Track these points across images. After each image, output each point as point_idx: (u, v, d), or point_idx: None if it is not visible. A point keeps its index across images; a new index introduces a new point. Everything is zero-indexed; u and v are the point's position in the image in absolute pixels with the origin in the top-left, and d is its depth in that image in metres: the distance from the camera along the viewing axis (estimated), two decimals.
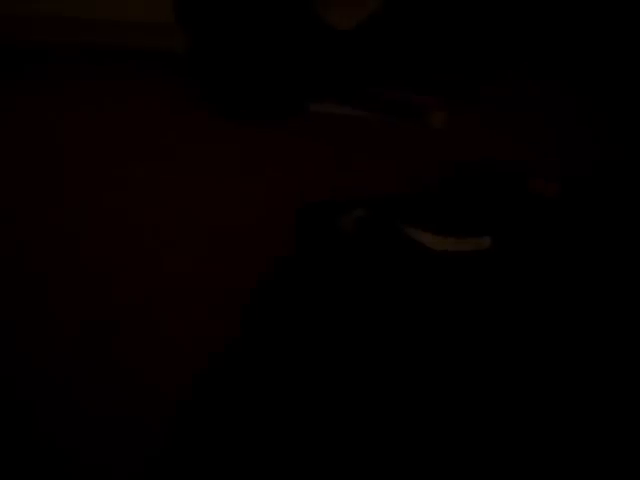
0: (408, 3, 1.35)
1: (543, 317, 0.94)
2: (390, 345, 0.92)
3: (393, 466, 0.78)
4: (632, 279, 0.99)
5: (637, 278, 0.99)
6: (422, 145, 1.37)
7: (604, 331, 0.92)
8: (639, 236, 1.07)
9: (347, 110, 1.44)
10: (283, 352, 0.92)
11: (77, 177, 1.30)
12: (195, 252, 1.14)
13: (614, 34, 1.51)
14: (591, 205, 1.12)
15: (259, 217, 1.21)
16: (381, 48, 1.38)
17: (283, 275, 1.05)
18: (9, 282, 1.07)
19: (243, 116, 1.42)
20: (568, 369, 0.88)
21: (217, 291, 1.05)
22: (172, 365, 0.93)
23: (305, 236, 1.13)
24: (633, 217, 1.11)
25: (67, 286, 1.07)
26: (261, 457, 0.79)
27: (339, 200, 1.16)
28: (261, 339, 0.95)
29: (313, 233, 1.12)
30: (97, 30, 1.48)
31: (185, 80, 1.47)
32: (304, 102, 1.44)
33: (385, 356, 0.91)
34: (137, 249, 1.15)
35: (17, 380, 0.92)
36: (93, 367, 0.94)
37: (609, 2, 1.50)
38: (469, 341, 0.91)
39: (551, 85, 1.50)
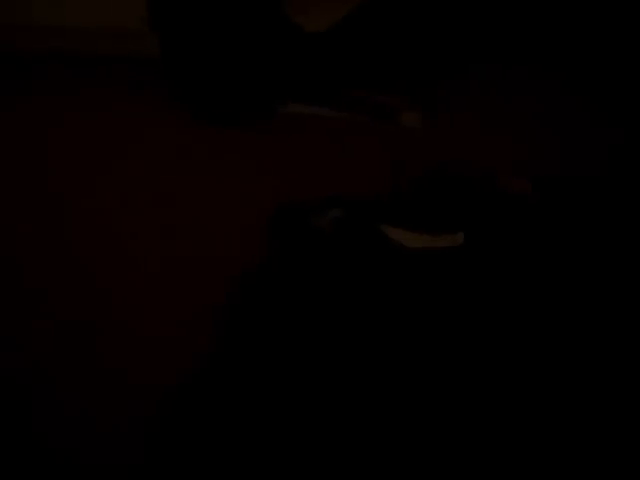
0: (381, 5, 1.38)
1: (519, 308, 0.98)
2: (370, 340, 0.95)
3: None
4: (600, 272, 1.04)
5: (606, 271, 1.04)
6: (394, 145, 1.40)
7: (578, 323, 0.96)
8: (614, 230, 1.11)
9: (319, 111, 1.46)
10: (264, 352, 0.94)
11: (60, 180, 1.31)
12: (175, 253, 1.15)
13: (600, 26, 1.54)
14: (561, 201, 1.16)
15: (235, 217, 1.23)
16: (352, 49, 1.40)
17: (259, 276, 1.06)
18: None
19: (216, 118, 1.43)
20: (543, 359, 0.92)
21: (195, 295, 1.07)
22: (156, 365, 0.95)
23: (280, 237, 1.14)
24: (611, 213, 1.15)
25: (50, 286, 1.08)
26: (245, 455, 0.82)
27: (313, 201, 1.18)
28: (242, 339, 0.97)
29: (288, 234, 1.14)
30: (70, 37, 1.48)
31: (159, 84, 1.47)
32: (276, 104, 1.46)
33: (365, 351, 0.93)
34: (119, 249, 1.16)
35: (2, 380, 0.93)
36: (77, 367, 0.95)
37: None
38: (448, 336, 0.94)
39: (528, 82, 1.52)
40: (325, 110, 1.46)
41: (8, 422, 0.88)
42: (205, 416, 0.86)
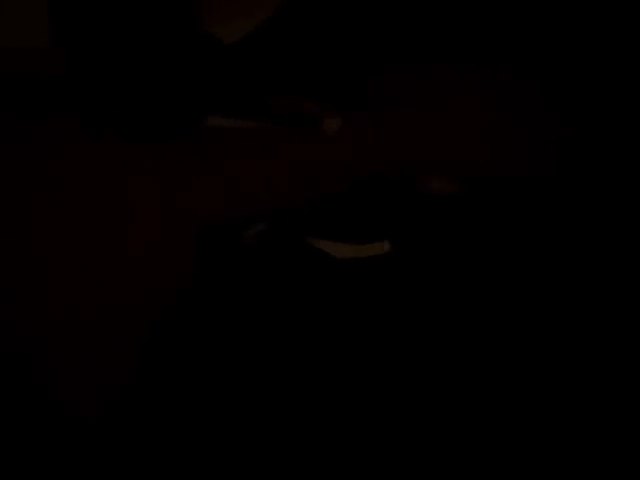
0: (299, 13, 1.35)
1: (453, 313, 0.97)
2: (298, 354, 0.92)
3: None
4: (531, 274, 1.03)
5: (535, 271, 1.04)
6: (317, 153, 1.38)
7: (509, 324, 0.96)
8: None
9: (239, 123, 1.43)
10: (193, 372, 0.91)
11: None
12: (103, 279, 1.11)
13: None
14: (488, 200, 1.15)
15: (159, 239, 1.19)
16: (269, 57, 1.37)
17: (182, 300, 1.03)
18: None
19: (131, 137, 1.38)
20: (477, 363, 0.91)
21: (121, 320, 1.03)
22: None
23: (205, 256, 1.11)
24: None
25: None
26: None
27: (236, 217, 1.15)
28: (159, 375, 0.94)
29: (214, 252, 1.11)
30: None
31: (68, 104, 1.42)
32: (195, 118, 1.42)
33: (294, 364, 0.91)
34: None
35: None
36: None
37: None
38: (380, 347, 0.93)
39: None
40: (246, 121, 1.42)
41: None
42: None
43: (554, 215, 1.12)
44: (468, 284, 1.00)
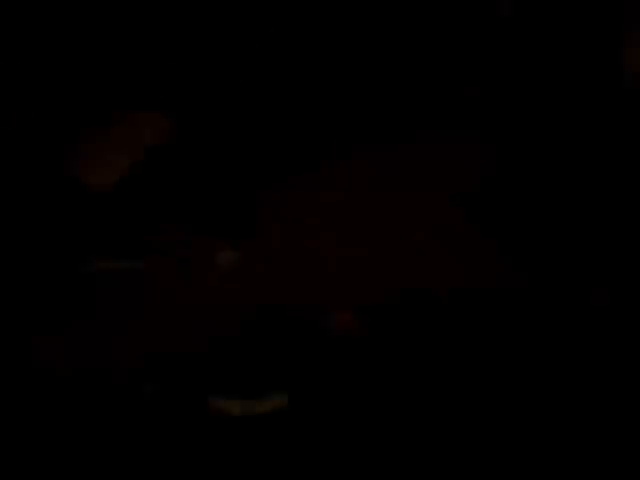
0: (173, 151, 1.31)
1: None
2: None
3: None
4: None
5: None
6: (210, 289, 1.30)
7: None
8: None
9: (127, 264, 1.35)
10: None
11: None
12: None
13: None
14: (390, 334, 1.09)
15: None
16: (149, 196, 1.31)
17: None
18: None
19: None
20: None
21: None
22: None
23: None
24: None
25: None
26: None
27: (122, 376, 1.06)
28: None
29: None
30: None
31: None
32: (79, 266, 1.33)
33: None
34: None
35: None
36: None
37: None
38: None
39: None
40: (135, 262, 1.34)
41: None
42: None
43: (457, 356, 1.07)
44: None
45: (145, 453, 0.94)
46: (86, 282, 1.31)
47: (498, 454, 0.91)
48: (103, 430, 0.99)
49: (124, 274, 1.33)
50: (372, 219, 1.41)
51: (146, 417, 1.00)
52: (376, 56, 1.50)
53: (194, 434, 0.96)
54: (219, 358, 1.09)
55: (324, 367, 1.02)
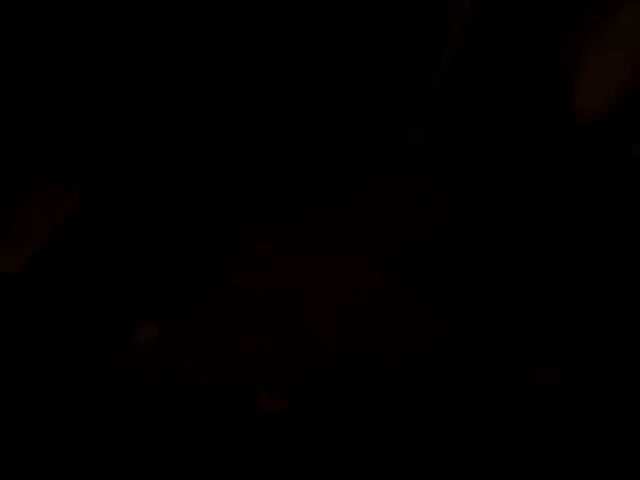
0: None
1: None
2: None
3: None
4: None
5: None
6: (133, 370, 1.21)
7: None
8: None
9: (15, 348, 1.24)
10: None
11: None
12: None
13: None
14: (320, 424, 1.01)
15: None
16: (57, 286, 1.23)
17: None
18: None
19: None
20: None
21: None
22: None
23: None
24: None
25: None
26: None
27: None
28: None
29: None
30: None
31: None
32: None
33: None
34: None
35: None
36: None
37: None
38: None
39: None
40: (22, 346, 1.23)
41: None
42: None
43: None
44: None
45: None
46: None
47: None
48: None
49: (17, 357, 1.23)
50: (299, 289, 1.36)
51: None
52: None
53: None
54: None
55: (248, 447, 0.93)
